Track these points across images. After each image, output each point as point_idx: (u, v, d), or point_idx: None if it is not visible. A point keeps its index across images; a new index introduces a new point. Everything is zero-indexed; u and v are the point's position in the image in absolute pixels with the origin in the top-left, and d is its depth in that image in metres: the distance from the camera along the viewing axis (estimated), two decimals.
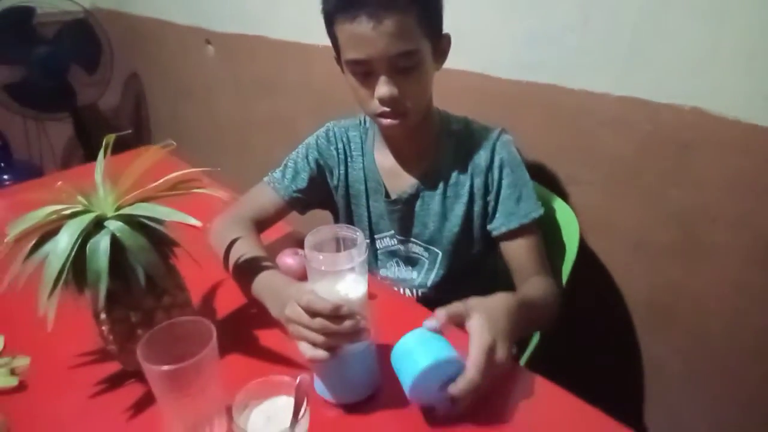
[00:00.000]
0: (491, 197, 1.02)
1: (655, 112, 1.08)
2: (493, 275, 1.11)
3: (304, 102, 1.90)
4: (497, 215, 1.02)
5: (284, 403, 0.59)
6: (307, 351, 0.68)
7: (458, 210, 1.04)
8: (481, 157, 1.01)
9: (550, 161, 1.27)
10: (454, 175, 1.03)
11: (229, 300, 0.94)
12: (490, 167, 1.01)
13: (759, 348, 1.07)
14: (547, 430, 0.71)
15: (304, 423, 0.57)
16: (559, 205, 1.15)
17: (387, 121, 0.93)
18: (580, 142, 1.21)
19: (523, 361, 1.07)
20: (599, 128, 1.16)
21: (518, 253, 1.01)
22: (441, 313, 0.70)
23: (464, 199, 1.03)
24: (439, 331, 0.69)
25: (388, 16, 0.82)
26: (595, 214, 1.23)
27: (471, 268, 1.09)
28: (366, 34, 0.83)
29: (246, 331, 0.87)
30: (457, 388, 0.65)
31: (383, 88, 0.88)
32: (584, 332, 1.31)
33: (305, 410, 0.57)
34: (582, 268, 1.19)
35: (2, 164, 2.62)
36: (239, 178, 1.15)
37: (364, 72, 0.89)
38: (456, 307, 0.72)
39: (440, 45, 0.95)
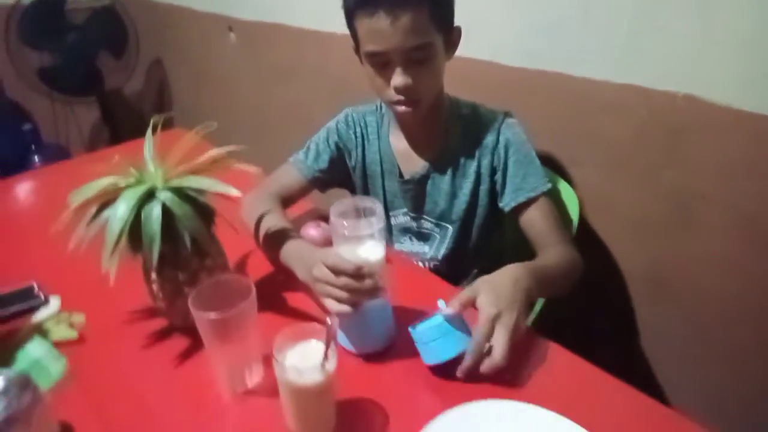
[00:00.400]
0: (498, 176, 1.10)
1: (650, 99, 1.16)
2: (499, 248, 1.20)
3: (321, 88, 1.99)
4: (506, 191, 1.10)
5: (315, 346, 0.69)
6: (333, 306, 0.78)
7: (466, 189, 1.13)
8: (488, 139, 1.10)
9: (554, 144, 1.35)
10: (462, 156, 1.12)
11: (260, 266, 1.04)
12: (495, 147, 1.09)
13: (741, 315, 1.16)
14: (550, 388, 0.78)
15: (333, 360, 0.67)
16: (561, 185, 1.24)
17: (401, 109, 1.02)
18: (582, 126, 1.29)
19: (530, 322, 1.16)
20: (599, 113, 1.24)
21: (532, 224, 1.07)
22: (455, 303, 0.78)
23: (471, 178, 1.12)
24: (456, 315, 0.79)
25: (403, 12, 0.91)
26: (596, 194, 1.31)
27: (478, 242, 1.18)
28: (383, 28, 0.92)
29: (276, 292, 0.97)
30: (463, 366, 0.75)
31: (399, 78, 0.96)
32: (585, 304, 1.39)
33: (333, 349, 0.67)
34: (583, 244, 1.27)
35: (32, 146, 2.74)
36: (257, 160, 1.25)
37: (381, 63, 0.98)
38: (465, 293, 0.80)
39: (451, 37, 1.03)
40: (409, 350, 0.81)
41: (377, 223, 0.76)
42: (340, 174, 1.22)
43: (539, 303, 1.17)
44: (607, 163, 1.28)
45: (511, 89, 1.39)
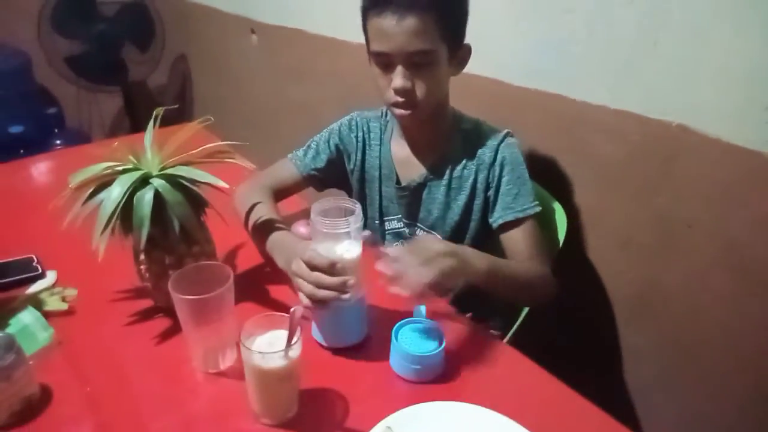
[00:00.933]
0: (491, 192, 1.13)
1: (644, 125, 1.18)
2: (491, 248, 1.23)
3: (331, 92, 2.05)
4: (496, 208, 1.12)
5: (283, 335, 0.73)
6: (304, 299, 0.82)
7: (460, 201, 1.16)
8: (486, 155, 1.13)
9: (551, 163, 1.37)
10: (459, 169, 1.15)
11: (248, 257, 1.09)
12: (492, 164, 1.12)
13: (723, 342, 1.17)
14: (521, 404, 0.79)
15: (297, 347, 0.70)
16: (552, 201, 1.27)
17: (399, 111, 1.05)
18: (577, 147, 1.31)
19: (507, 339, 1.19)
20: (594, 135, 1.27)
21: (513, 242, 1.10)
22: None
23: (467, 191, 1.15)
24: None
25: (410, 14, 0.94)
26: (588, 213, 1.33)
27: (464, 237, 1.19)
28: (389, 29, 0.96)
29: (260, 283, 1.02)
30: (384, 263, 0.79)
31: (398, 79, 1.00)
32: (569, 319, 1.42)
33: (298, 338, 0.70)
34: (572, 261, 1.31)
35: (56, 130, 2.83)
36: (268, 155, 1.30)
37: (385, 63, 1.02)
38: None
39: (459, 52, 1.06)
40: (380, 348, 0.85)
41: (354, 222, 0.79)
42: (337, 175, 1.26)
43: (520, 316, 1.20)
44: (599, 185, 1.30)
45: (513, 107, 1.42)
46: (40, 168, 1.58)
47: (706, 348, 1.21)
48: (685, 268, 1.20)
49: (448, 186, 1.16)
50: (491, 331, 1.25)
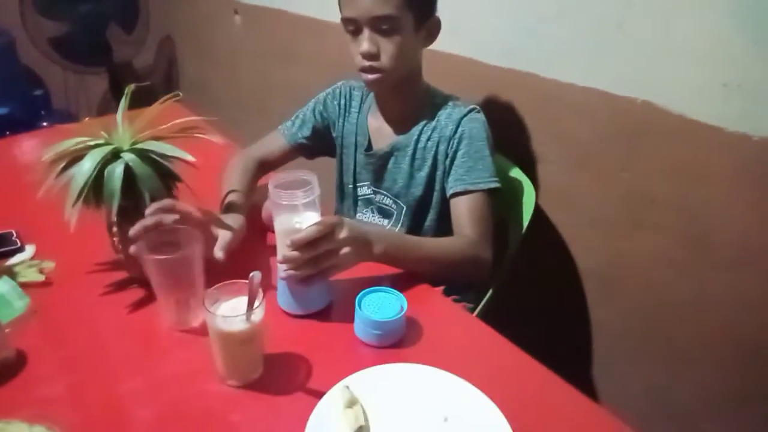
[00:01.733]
0: (448, 162, 1.16)
1: (612, 102, 1.21)
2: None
3: (317, 72, 2.05)
4: (449, 179, 1.15)
5: (246, 300, 0.76)
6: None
7: (423, 172, 1.19)
8: (448, 128, 1.16)
9: (524, 140, 1.40)
10: (424, 140, 1.18)
11: None
12: (452, 137, 1.15)
13: (685, 315, 1.21)
14: (478, 368, 0.82)
15: (258, 312, 0.73)
16: (521, 177, 1.30)
17: (366, 76, 1.10)
18: (548, 125, 1.34)
19: (477, 312, 1.22)
20: (564, 113, 1.30)
21: (457, 213, 1.12)
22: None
23: (429, 163, 1.18)
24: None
25: None
26: (558, 190, 1.37)
27: (433, 225, 1.23)
28: None
29: (231, 255, 1.04)
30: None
31: (364, 44, 1.05)
32: (538, 293, 1.46)
33: (260, 302, 0.73)
34: (542, 238, 1.34)
35: (42, 112, 2.84)
36: (258, 135, 1.33)
37: (353, 29, 1.07)
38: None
39: (426, 24, 1.10)
40: (344, 316, 0.88)
41: (305, 195, 0.82)
42: (324, 143, 1.31)
43: (489, 291, 1.23)
44: (569, 162, 1.33)
45: (488, 86, 1.45)
46: (22, 146, 1.60)
47: (669, 322, 1.25)
48: (650, 243, 1.23)
49: (413, 156, 1.20)
50: (464, 304, 1.29)
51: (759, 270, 1.08)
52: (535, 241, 1.28)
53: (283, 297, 0.90)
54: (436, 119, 1.18)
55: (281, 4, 2.13)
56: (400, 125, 1.21)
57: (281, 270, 0.86)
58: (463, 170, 1.13)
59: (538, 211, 1.31)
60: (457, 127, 1.15)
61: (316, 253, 0.83)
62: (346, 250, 0.86)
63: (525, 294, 1.39)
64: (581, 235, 1.36)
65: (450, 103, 1.19)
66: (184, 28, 2.95)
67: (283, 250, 0.85)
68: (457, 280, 1.13)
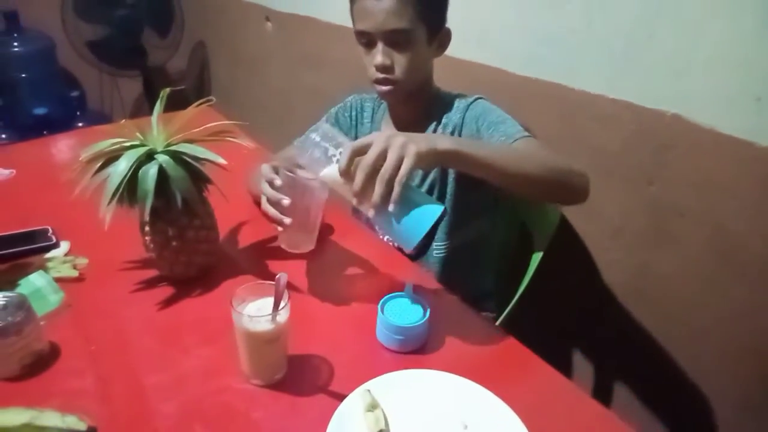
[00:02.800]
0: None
1: (640, 115, 1.21)
2: (475, 211, 1.24)
3: (343, 79, 2.08)
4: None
5: (272, 301, 0.78)
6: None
7: (439, 170, 1.19)
8: (455, 117, 1.15)
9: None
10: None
11: (249, 233, 1.15)
12: (461, 124, 1.14)
13: (712, 329, 1.19)
14: (499, 376, 0.83)
15: (284, 313, 0.75)
16: None
17: (380, 88, 1.11)
18: (576, 135, 1.34)
19: (500, 321, 1.22)
20: (592, 123, 1.29)
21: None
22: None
23: None
24: None
25: None
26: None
27: (453, 213, 1.21)
28: (369, 8, 1.03)
29: (260, 259, 1.07)
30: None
31: (378, 56, 1.06)
32: (561, 303, 1.45)
33: (285, 303, 0.75)
34: (567, 248, 1.34)
35: (78, 112, 2.92)
36: (282, 139, 1.36)
37: (367, 42, 1.08)
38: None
39: (438, 35, 1.11)
40: (367, 321, 0.89)
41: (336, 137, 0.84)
42: None
43: (514, 299, 1.23)
44: (595, 172, 1.30)
45: (515, 95, 1.44)
46: (59, 146, 1.66)
47: (696, 336, 1.23)
48: (677, 256, 1.22)
49: None
50: (485, 313, 1.29)
51: None
52: (560, 251, 1.27)
53: (390, 234, 0.82)
54: (445, 117, 1.18)
55: (311, 12, 2.16)
56: (413, 130, 1.21)
57: (368, 212, 0.76)
58: (497, 134, 1.06)
59: (563, 220, 1.30)
60: (464, 115, 1.15)
61: (373, 162, 0.74)
62: (404, 146, 0.74)
63: (548, 304, 1.38)
64: (606, 246, 1.35)
65: (456, 100, 1.19)
66: (217, 34, 3.01)
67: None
68: (554, 190, 0.96)
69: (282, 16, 2.37)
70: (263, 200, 0.92)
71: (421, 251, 0.79)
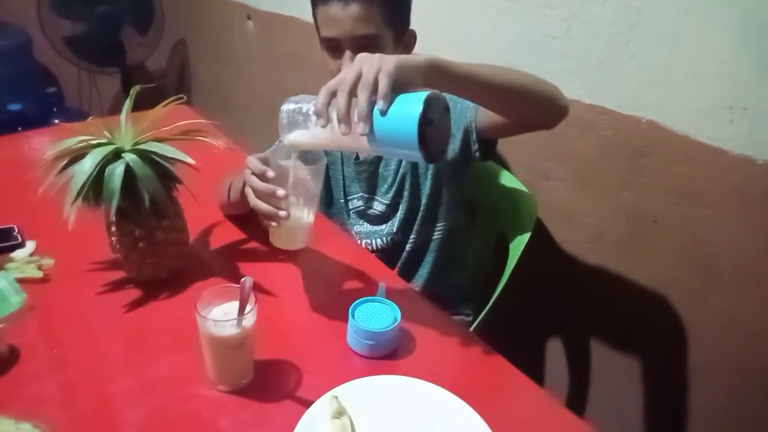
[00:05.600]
0: None
1: (616, 121, 1.21)
2: (452, 203, 1.23)
3: (326, 80, 2.07)
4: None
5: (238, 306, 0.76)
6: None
7: (411, 165, 1.19)
8: None
9: (527, 155, 1.40)
10: None
11: (220, 235, 1.13)
12: None
13: (684, 339, 1.20)
14: (468, 382, 0.83)
15: (249, 317, 0.73)
16: (523, 192, 1.29)
17: None
18: (552, 141, 1.34)
19: (474, 325, 1.22)
20: (568, 129, 1.29)
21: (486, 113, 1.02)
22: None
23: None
24: None
25: (354, 1, 1.00)
26: (560, 207, 1.36)
27: (428, 208, 1.21)
28: (336, 15, 1.01)
29: (231, 260, 1.06)
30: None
31: (346, 62, 1.05)
32: (536, 309, 1.45)
33: (252, 307, 0.73)
34: (543, 253, 1.33)
35: (54, 109, 2.87)
36: (264, 140, 1.33)
37: (333, 48, 1.07)
38: None
39: (404, 37, 1.11)
40: (337, 326, 0.88)
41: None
42: None
43: (488, 304, 1.22)
44: (571, 178, 1.33)
45: None
46: (31, 143, 1.62)
47: (668, 345, 1.24)
48: (651, 264, 1.23)
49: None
50: (462, 317, 1.28)
51: (761, 295, 1.06)
52: (536, 257, 1.27)
53: (389, 144, 0.71)
54: None
55: (293, 11, 2.15)
56: None
57: (357, 128, 0.70)
58: (457, 111, 1.06)
59: (539, 226, 1.30)
60: None
61: (352, 80, 0.69)
62: (381, 58, 0.70)
63: (524, 310, 1.38)
64: (582, 252, 1.36)
65: None
66: (198, 33, 2.98)
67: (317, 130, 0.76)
68: (539, 99, 0.94)
69: (264, 15, 2.34)
70: (251, 197, 0.85)
71: (438, 153, 0.70)
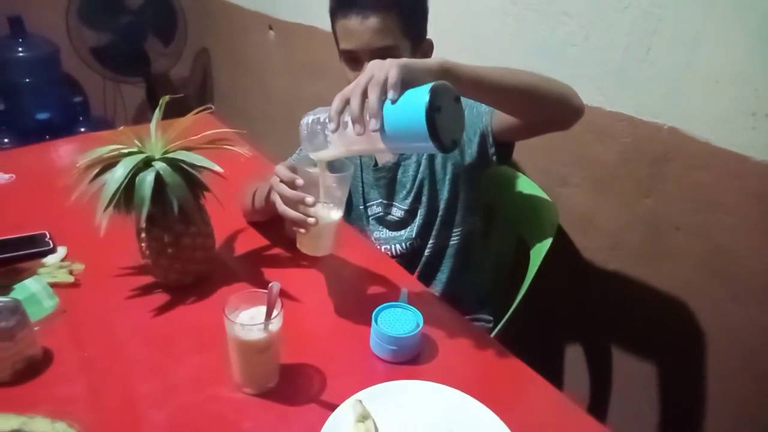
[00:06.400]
0: None
1: (637, 128, 1.21)
2: (469, 208, 1.24)
3: (343, 88, 2.10)
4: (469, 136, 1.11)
5: (265, 310, 0.78)
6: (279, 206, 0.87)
7: (428, 170, 1.20)
8: None
9: (547, 162, 1.41)
10: None
11: (245, 241, 1.15)
12: None
13: (705, 346, 1.19)
14: (491, 388, 0.83)
15: (276, 322, 0.75)
16: (543, 198, 1.29)
17: None
18: (572, 148, 1.34)
19: (495, 332, 1.22)
20: (588, 136, 1.30)
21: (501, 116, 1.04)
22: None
23: (429, 158, 1.19)
24: None
25: (372, 14, 1.01)
26: (580, 213, 1.36)
27: (446, 213, 1.22)
28: (354, 28, 1.03)
29: (256, 266, 1.08)
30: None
31: None
32: (556, 315, 1.45)
33: (278, 312, 0.75)
34: (563, 260, 1.33)
35: (81, 118, 2.94)
36: (284, 149, 1.36)
37: (353, 60, 1.08)
38: None
39: (421, 47, 1.13)
40: (361, 331, 0.90)
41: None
42: None
43: (510, 309, 1.23)
44: (593, 185, 1.33)
45: None
46: (59, 151, 1.66)
47: (691, 352, 1.23)
48: (671, 271, 1.22)
49: (418, 162, 1.21)
50: (481, 323, 1.29)
51: None
52: (556, 263, 1.27)
53: (399, 139, 0.73)
54: None
55: (314, 21, 2.18)
56: None
57: (368, 125, 0.72)
58: (473, 116, 1.08)
59: (559, 232, 1.30)
60: None
61: (365, 82, 0.72)
62: (390, 62, 0.73)
63: (545, 316, 1.39)
64: (602, 258, 1.36)
65: None
66: (220, 42, 3.03)
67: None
68: (551, 100, 0.95)
69: (285, 25, 2.38)
70: (279, 204, 0.87)
71: (451, 142, 0.70)
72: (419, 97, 0.67)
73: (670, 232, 1.20)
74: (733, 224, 1.10)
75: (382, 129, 0.71)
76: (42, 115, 2.71)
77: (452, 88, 0.71)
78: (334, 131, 0.76)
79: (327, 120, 0.79)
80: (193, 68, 3.29)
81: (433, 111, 0.66)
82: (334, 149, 0.82)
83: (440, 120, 0.67)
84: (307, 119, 0.85)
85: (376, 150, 0.79)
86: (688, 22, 1.08)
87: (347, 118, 0.75)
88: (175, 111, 1.01)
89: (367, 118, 0.72)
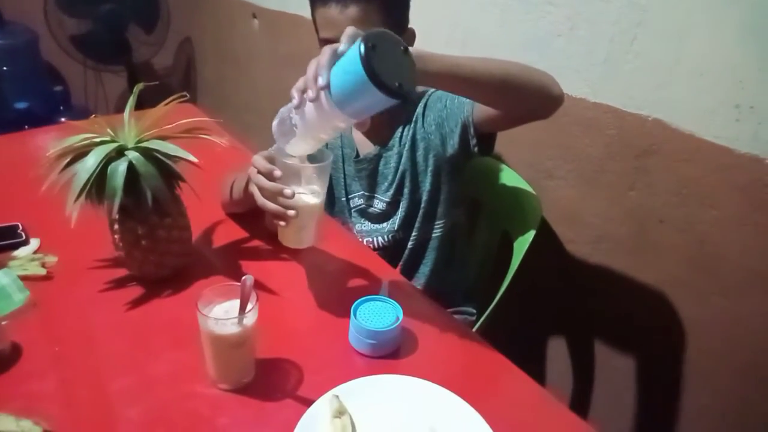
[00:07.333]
0: (433, 131, 1.14)
1: (621, 119, 1.20)
2: (452, 200, 1.23)
3: None
4: (449, 126, 1.10)
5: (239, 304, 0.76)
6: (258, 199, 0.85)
7: (410, 161, 1.19)
8: (417, 112, 1.17)
9: (532, 154, 1.39)
10: (404, 135, 1.18)
11: (223, 233, 1.13)
12: (419, 115, 1.16)
13: (688, 338, 1.19)
14: (470, 382, 0.82)
15: (251, 316, 0.73)
16: (528, 191, 1.28)
17: None
18: (558, 140, 1.33)
19: (478, 325, 1.21)
20: (573, 128, 1.29)
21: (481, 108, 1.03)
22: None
23: (411, 150, 1.18)
24: None
25: (353, 3, 0.99)
26: (565, 206, 1.35)
27: (428, 204, 1.21)
28: (334, 17, 1.01)
29: (233, 258, 1.05)
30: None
31: None
32: (539, 309, 1.44)
33: (253, 306, 0.73)
34: (547, 253, 1.33)
35: (61, 107, 2.88)
36: (269, 139, 1.33)
37: None
38: None
39: (403, 37, 1.09)
40: (339, 325, 0.88)
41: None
42: None
43: (493, 303, 1.22)
44: (577, 178, 1.32)
45: None
46: (36, 141, 1.62)
47: (675, 345, 1.23)
48: (657, 264, 1.22)
49: (400, 154, 1.20)
50: (465, 316, 1.28)
51: (766, 296, 1.05)
52: (540, 256, 1.26)
53: (350, 103, 0.71)
54: (409, 112, 1.18)
55: (299, 10, 2.14)
56: (384, 131, 1.21)
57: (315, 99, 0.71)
58: (454, 107, 1.09)
59: (544, 226, 1.29)
60: (424, 107, 1.16)
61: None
62: (356, 32, 0.73)
63: (526, 308, 1.38)
64: (586, 252, 1.35)
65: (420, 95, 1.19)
66: (204, 31, 2.98)
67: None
68: (521, 97, 0.93)
69: (269, 13, 2.35)
70: (257, 196, 0.85)
71: (403, 91, 0.67)
72: (354, 47, 0.66)
73: (654, 225, 1.20)
74: (718, 217, 1.10)
75: (328, 88, 0.70)
76: (21, 105, 2.66)
77: (395, 36, 0.70)
78: (297, 108, 0.75)
79: (291, 114, 0.79)
80: (177, 57, 3.23)
81: (368, 50, 0.64)
82: (301, 137, 0.81)
83: (378, 61, 0.65)
84: (276, 120, 0.84)
85: (336, 127, 0.77)
86: (674, 12, 1.07)
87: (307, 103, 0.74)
88: (156, 102, 0.98)
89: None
